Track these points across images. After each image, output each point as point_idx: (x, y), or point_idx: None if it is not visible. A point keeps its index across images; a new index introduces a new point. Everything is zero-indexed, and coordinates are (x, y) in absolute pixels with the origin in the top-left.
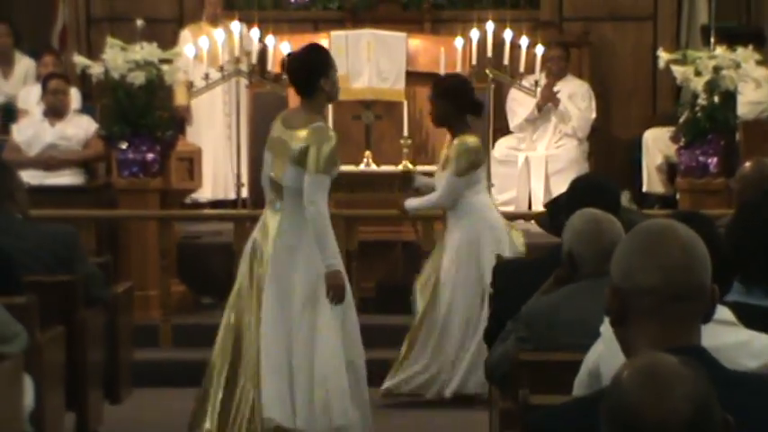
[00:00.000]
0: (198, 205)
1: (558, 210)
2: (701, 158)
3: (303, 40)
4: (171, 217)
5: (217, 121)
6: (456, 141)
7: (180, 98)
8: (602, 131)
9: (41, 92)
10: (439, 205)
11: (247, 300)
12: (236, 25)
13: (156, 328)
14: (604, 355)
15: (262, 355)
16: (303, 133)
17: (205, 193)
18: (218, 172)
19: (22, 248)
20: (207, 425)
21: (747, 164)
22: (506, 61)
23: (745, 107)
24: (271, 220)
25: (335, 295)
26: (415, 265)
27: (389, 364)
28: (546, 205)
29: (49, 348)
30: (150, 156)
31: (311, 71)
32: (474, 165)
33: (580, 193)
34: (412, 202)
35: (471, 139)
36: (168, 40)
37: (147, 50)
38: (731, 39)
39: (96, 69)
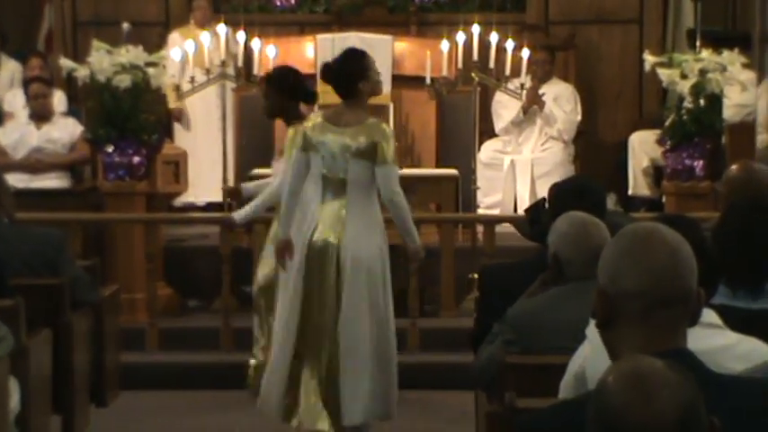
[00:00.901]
0: (193, 209)
1: (538, 215)
2: (687, 161)
3: (289, 44)
4: (157, 220)
5: (212, 124)
6: (291, 130)
7: (173, 101)
8: (588, 134)
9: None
10: (276, 194)
11: (323, 296)
12: (222, 28)
13: (143, 332)
14: (590, 358)
15: (344, 351)
16: (361, 130)
17: (205, 196)
18: (218, 174)
19: (9, 251)
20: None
21: (734, 167)
22: (492, 64)
23: (730, 110)
24: (332, 213)
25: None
26: (403, 267)
27: None
28: (526, 211)
29: (35, 351)
30: (136, 159)
31: (349, 78)
32: None
33: (565, 195)
34: (241, 212)
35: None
36: (154, 44)
37: (132, 54)
38: (717, 42)
39: (82, 72)
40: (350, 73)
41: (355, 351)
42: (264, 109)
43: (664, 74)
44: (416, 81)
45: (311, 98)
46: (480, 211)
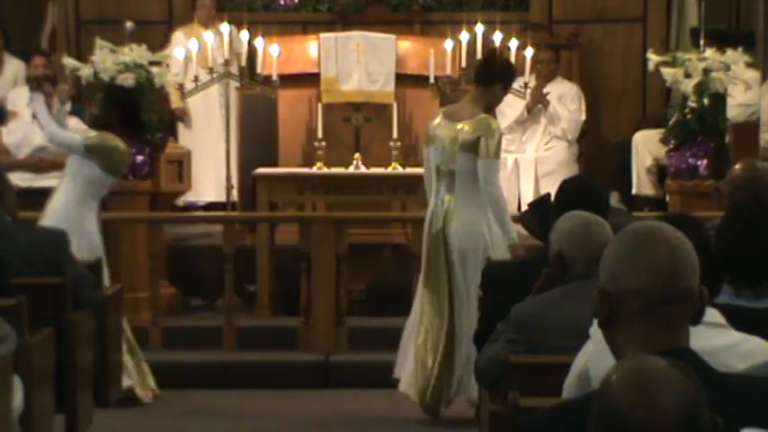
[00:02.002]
0: (195, 208)
1: (546, 213)
2: (690, 161)
3: (293, 42)
4: (160, 219)
5: (213, 123)
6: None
7: (176, 100)
8: (592, 133)
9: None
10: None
11: (435, 280)
12: (225, 27)
13: (146, 330)
14: (594, 358)
15: (457, 334)
16: (470, 124)
17: (205, 195)
18: (218, 174)
19: (12, 251)
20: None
21: (737, 166)
22: None
23: (734, 109)
24: (443, 204)
25: None
26: (404, 266)
27: (377, 365)
28: (530, 205)
29: (38, 350)
30: (140, 158)
31: (496, 73)
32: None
33: (569, 194)
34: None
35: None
36: (158, 42)
37: (136, 52)
38: (721, 41)
39: (86, 71)
40: (501, 73)
41: (463, 335)
42: (94, 118)
43: (667, 73)
44: (420, 80)
45: (138, 129)
46: None
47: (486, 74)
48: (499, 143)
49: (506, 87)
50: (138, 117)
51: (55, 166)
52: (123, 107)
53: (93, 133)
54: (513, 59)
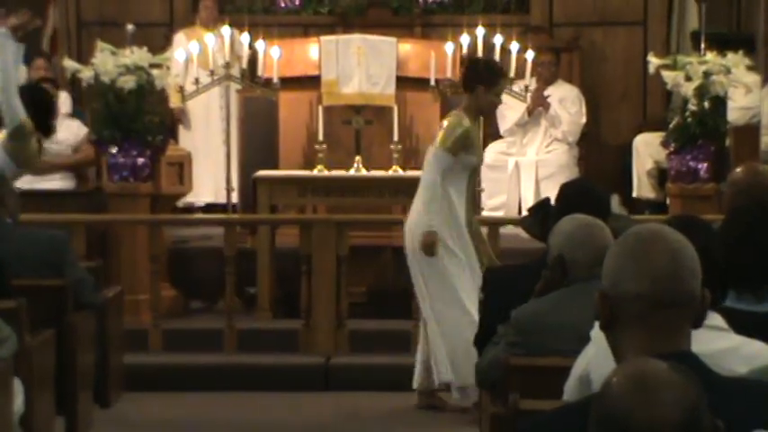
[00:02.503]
0: (194, 209)
1: (547, 217)
2: (691, 164)
3: (293, 45)
4: (161, 221)
5: (214, 125)
6: None
7: (175, 100)
8: (593, 136)
9: None
10: None
11: None
12: (226, 30)
13: (146, 333)
14: (594, 361)
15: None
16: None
17: (204, 196)
18: (217, 175)
19: (13, 253)
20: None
21: (738, 169)
22: None
23: (735, 113)
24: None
25: (427, 253)
26: (405, 269)
27: (378, 368)
28: (531, 210)
29: (38, 352)
30: (141, 160)
31: (474, 74)
32: None
33: (569, 198)
34: None
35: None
36: (158, 45)
37: (137, 55)
38: (721, 44)
39: (86, 74)
40: (478, 75)
41: (427, 322)
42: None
43: (668, 76)
44: (421, 83)
45: (47, 130)
46: (484, 213)
47: (465, 79)
48: (457, 140)
49: (490, 87)
50: (48, 121)
51: (56, 168)
52: (37, 108)
53: None
54: (513, 62)
